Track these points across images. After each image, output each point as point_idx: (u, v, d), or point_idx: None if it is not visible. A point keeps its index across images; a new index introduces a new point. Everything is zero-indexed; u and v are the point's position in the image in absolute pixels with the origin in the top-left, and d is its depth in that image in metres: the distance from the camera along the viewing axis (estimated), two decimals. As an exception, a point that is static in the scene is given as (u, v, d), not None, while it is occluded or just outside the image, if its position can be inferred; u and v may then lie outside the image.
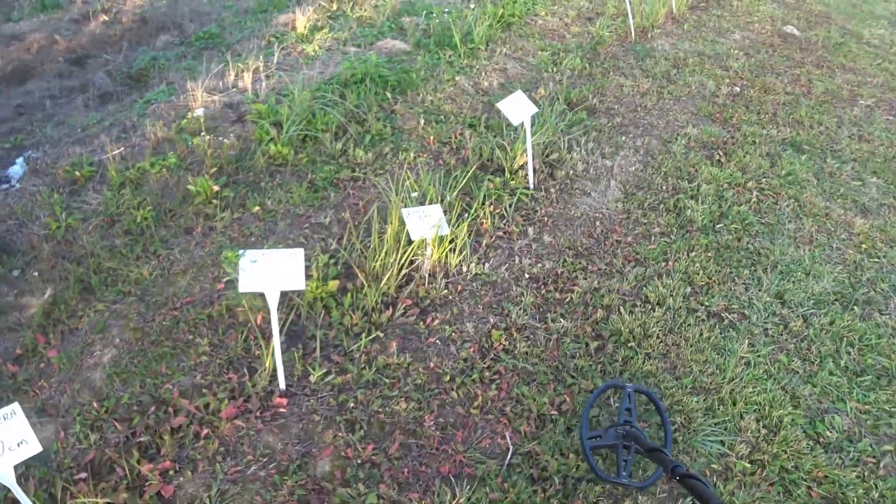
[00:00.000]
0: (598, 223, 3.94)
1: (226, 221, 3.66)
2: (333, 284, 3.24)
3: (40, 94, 4.73)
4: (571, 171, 4.29)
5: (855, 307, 3.59)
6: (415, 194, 3.85)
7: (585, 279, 3.54)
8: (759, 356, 3.24)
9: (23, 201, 3.58)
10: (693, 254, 3.80)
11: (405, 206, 3.35)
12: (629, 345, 3.20)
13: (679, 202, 4.20)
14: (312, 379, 2.92)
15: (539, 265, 3.58)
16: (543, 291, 3.45)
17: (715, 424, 2.88)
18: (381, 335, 3.13)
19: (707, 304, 3.48)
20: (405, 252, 3.29)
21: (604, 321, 3.31)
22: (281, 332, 3.11)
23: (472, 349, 3.11)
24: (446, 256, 3.43)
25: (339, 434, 2.73)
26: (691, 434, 2.84)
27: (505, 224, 3.80)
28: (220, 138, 3.96)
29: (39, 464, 2.58)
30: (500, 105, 3.78)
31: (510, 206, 3.89)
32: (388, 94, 4.62)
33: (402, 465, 2.66)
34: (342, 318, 3.16)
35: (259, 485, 2.56)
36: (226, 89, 4.55)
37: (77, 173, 3.73)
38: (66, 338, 3.08)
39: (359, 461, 2.65)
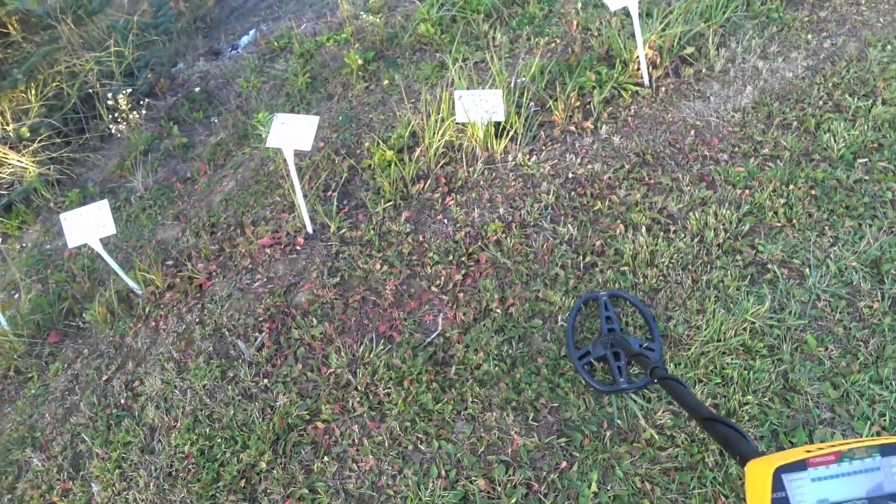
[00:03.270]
0: (693, 132, 3.33)
1: (358, 91, 4.24)
2: (390, 154, 3.59)
3: (298, -24, 5.83)
4: (704, 70, 3.60)
5: None
6: (523, 79, 3.82)
7: (630, 190, 3.15)
8: (774, 326, 2.57)
9: (237, 64, 4.72)
10: (790, 187, 2.99)
11: (458, 90, 3.43)
12: (622, 269, 2.87)
13: (825, 123, 3.23)
14: (331, 229, 3.43)
15: (589, 166, 3.30)
16: (574, 194, 3.21)
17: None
18: (402, 203, 3.42)
19: (760, 249, 2.81)
20: (443, 132, 3.43)
21: (619, 238, 2.98)
22: (336, 189, 3.65)
23: (465, 233, 3.19)
24: (490, 142, 3.43)
25: (322, 276, 3.23)
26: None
27: (581, 119, 3.52)
28: (380, 18, 4.46)
29: (157, 248, 3.73)
30: (602, -12, 3.39)
31: (601, 101, 3.55)
32: (559, -24, 4.42)
33: (352, 313, 3.06)
34: (383, 184, 3.53)
35: (252, 297, 3.27)
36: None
37: (276, 44, 4.70)
38: (216, 170, 4.15)
39: (323, 300, 3.13)
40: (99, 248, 3.26)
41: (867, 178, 3.01)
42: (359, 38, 4.51)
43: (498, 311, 2.88)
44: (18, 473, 2.97)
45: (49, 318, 3.58)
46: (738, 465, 1.31)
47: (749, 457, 1.25)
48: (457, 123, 3.46)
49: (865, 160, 3.08)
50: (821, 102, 3.38)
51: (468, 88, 3.61)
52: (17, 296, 3.80)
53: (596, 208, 3.14)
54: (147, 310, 3.41)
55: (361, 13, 4.58)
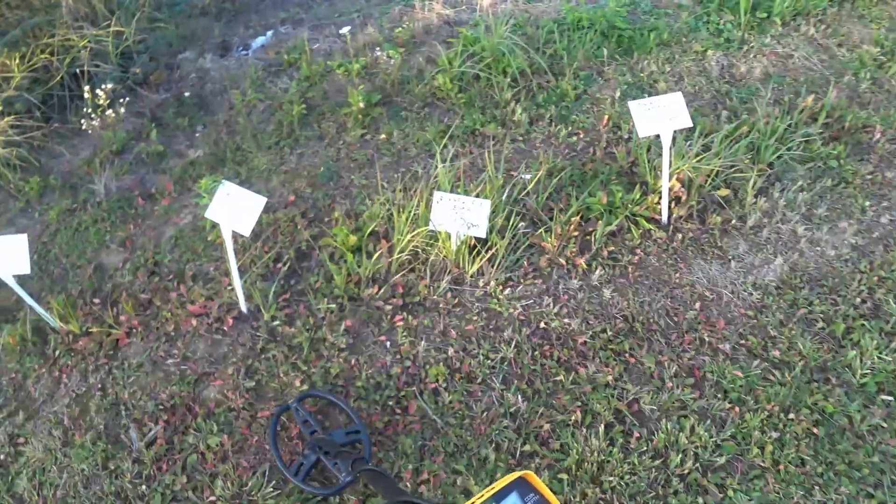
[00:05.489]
0: (698, 304, 2.78)
1: (351, 139, 3.76)
2: (353, 239, 3.15)
3: (340, -26, 5.25)
4: (734, 221, 3.01)
5: None
6: (527, 177, 3.30)
7: (604, 365, 2.65)
8: None
9: (241, 70, 4.27)
10: (790, 416, 2.45)
11: (440, 191, 2.93)
12: (559, 475, 2.39)
13: (856, 331, 2.66)
14: (264, 317, 3.03)
15: (566, 320, 2.79)
16: (538, 353, 2.72)
17: None
18: (348, 306, 2.99)
19: (729, 494, 2.30)
20: (411, 238, 2.95)
21: (571, 428, 2.50)
22: (287, 262, 3.23)
23: (403, 369, 2.75)
24: (463, 259, 2.95)
25: (237, 375, 2.85)
26: None
27: (577, 252, 2.99)
28: (400, 54, 3.92)
29: (93, 275, 3.38)
30: (633, 105, 2.79)
31: (604, 234, 3.00)
32: (605, 51, 3.78)
33: (257, 430, 2.68)
34: (336, 275, 3.09)
35: (161, 375, 2.91)
36: (465, 4, 4.36)
37: (286, 57, 4.23)
38: (182, 194, 3.75)
39: (231, 405, 2.76)
40: (13, 285, 2.94)
41: (885, 425, 2.44)
42: (371, 72, 4.00)
43: (408, 483, 2.46)
44: None
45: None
46: None
47: None
48: (430, 231, 2.98)
49: (890, 398, 2.50)
50: (858, 300, 2.79)
51: (452, 188, 3.09)
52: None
53: (558, 378, 2.66)
54: (57, 353, 3.09)
55: (379, 47, 4.04)
